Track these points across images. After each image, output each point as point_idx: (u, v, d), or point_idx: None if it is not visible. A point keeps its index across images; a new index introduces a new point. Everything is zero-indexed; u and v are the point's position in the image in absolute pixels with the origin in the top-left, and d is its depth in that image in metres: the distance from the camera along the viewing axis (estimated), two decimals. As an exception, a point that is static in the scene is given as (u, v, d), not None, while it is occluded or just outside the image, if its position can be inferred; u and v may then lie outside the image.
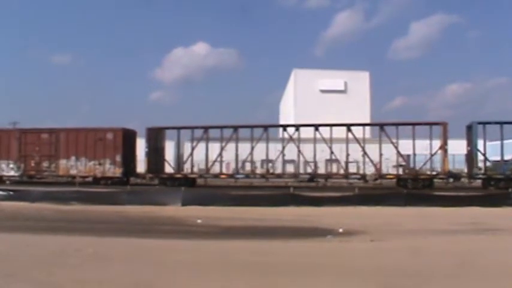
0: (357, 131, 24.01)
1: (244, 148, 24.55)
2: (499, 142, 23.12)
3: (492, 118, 23.55)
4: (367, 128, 26.06)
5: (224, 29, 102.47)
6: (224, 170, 25.54)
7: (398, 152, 23.79)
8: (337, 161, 24.03)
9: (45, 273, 6.85)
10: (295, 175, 25.21)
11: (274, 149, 24.29)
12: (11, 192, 20.21)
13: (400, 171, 24.57)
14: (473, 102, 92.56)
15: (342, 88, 54.06)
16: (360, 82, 54.12)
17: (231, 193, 19.72)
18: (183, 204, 17.81)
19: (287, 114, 58.48)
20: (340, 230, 11.89)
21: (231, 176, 25.38)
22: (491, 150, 24.31)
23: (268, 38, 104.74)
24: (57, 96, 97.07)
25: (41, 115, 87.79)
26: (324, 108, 46.41)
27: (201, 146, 25.16)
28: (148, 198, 18.85)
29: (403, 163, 24.59)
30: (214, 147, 25.01)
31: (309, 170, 24.59)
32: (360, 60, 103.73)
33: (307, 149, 23.87)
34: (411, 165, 23.65)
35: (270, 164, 24.73)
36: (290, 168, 25.19)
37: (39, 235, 11.08)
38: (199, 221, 14.05)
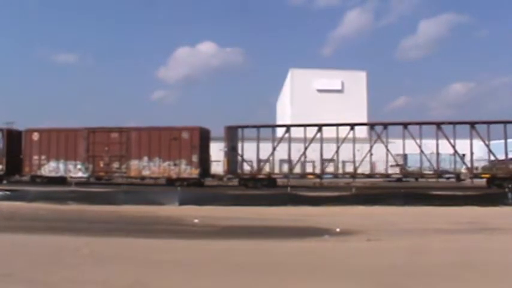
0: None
1: (329, 148, 24.22)
2: None
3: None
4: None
5: (232, 28, 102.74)
6: (304, 170, 25.03)
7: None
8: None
9: (42, 273, 6.83)
10: (384, 174, 25.11)
11: (361, 148, 24.01)
12: (8, 192, 20.12)
13: (397, 170, 24.60)
14: (475, 101, 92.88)
15: (339, 88, 54.20)
16: (357, 82, 54.27)
17: (228, 193, 19.73)
18: (180, 204, 17.78)
19: (284, 113, 58.52)
20: (338, 230, 11.89)
21: (318, 176, 24.93)
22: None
23: (276, 37, 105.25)
24: (58, 96, 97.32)
25: (40, 114, 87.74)
26: (321, 107, 46.50)
27: (282, 145, 24.53)
28: (145, 198, 18.79)
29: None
30: (296, 147, 24.36)
31: (397, 170, 24.53)
32: (367, 60, 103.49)
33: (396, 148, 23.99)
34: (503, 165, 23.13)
35: (357, 164, 24.17)
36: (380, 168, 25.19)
37: (36, 235, 11.03)
38: (196, 220, 14.03)
